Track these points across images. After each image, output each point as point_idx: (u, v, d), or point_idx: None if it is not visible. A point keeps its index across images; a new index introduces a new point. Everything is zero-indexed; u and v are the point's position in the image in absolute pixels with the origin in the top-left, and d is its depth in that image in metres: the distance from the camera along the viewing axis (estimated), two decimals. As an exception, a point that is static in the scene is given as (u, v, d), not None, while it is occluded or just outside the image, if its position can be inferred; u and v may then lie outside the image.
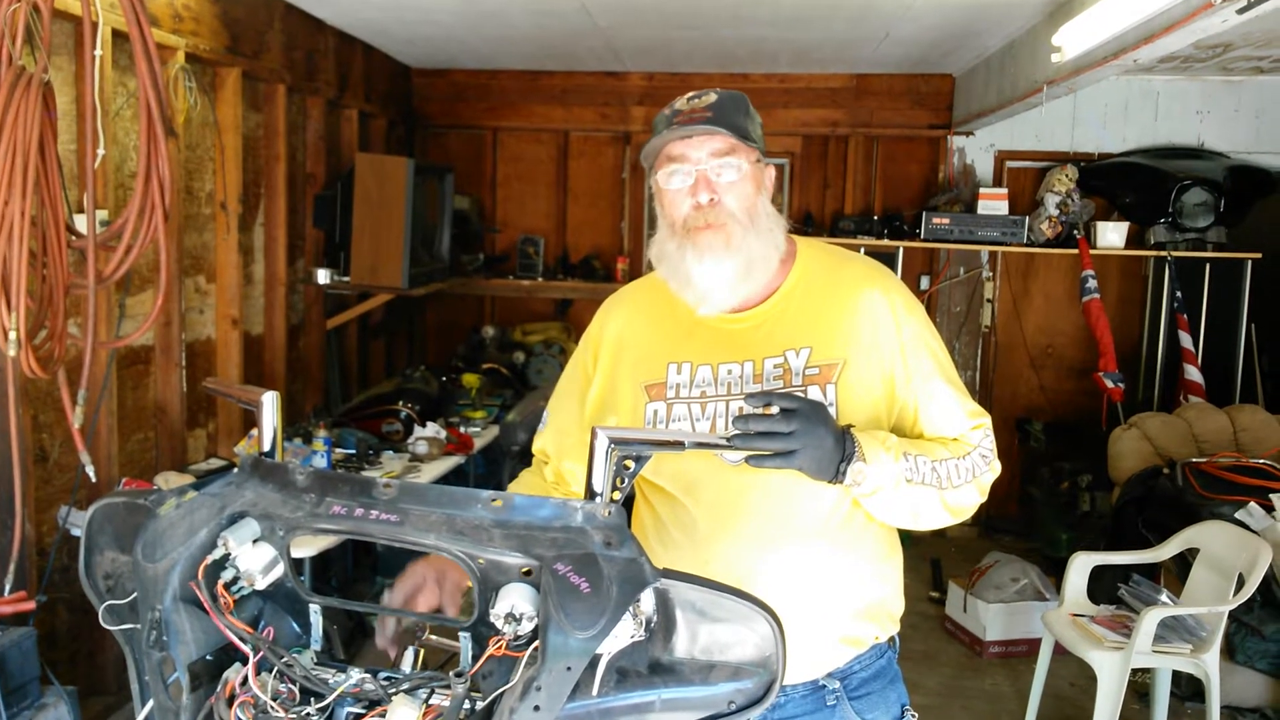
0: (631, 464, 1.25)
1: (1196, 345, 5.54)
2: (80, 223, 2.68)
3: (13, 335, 2.41)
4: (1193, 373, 5.40)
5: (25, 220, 2.37)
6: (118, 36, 3.21)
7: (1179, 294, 5.54)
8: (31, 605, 2.61)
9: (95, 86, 2.70)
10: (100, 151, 2.67)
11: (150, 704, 1.24)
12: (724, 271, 1.57)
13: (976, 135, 6.06)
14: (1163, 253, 5.62)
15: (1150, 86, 5.90)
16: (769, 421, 1.39)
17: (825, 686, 1.61)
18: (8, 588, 2.74)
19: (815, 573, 1.59)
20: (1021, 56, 4.69)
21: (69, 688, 2.57)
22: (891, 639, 1.70)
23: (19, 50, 2.41)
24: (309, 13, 4.74)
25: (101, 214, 3.02)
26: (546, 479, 1.81)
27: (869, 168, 6.24)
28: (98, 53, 2.64)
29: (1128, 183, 5.75)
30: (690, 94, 1.63)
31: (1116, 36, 3.56)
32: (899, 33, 4.87)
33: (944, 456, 1.56)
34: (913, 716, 1.68)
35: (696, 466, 1.60)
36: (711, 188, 1.57)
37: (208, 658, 1.23)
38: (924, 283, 6.14)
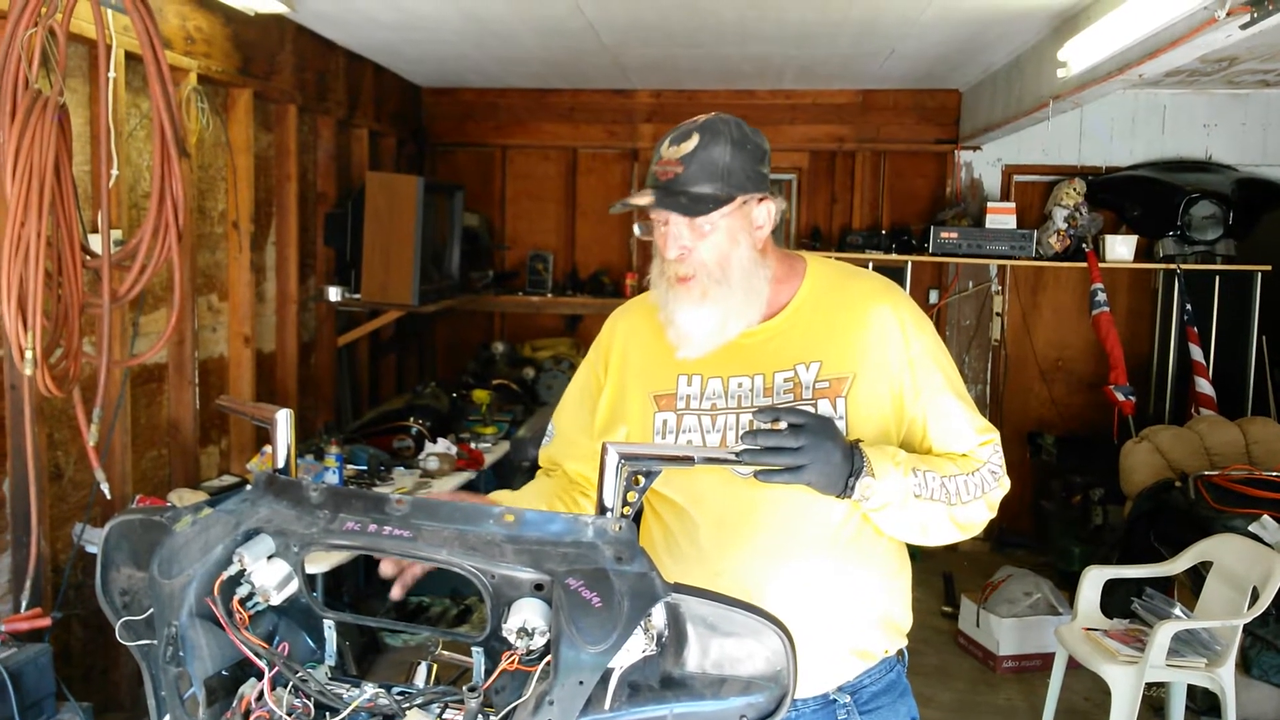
0: (641, 479, 1.26)
1: (1207, 358, 5.52)
2: (95, 243, 2.71)
3: (29, 354, 2.43)
4: (1204, 385, 5.38)
5: (41, 241, 2.40)
6: (131, 59, 3.25)
7: (1189, 307, 5.53)
8: (47, 622, 2.62)
9: (109, 108, 2.73)
10: (114, 172, 2.71)
11: (167, 719, 1.26)
12: (702, 320, 1.58)
13: (984, 150, 6.07)
14: (1172, 265, 5.61)
15: (1157, 100, 5.90)
16: (778, 437, 1.40)
17: (836, 700, 1.62)
18: (24, 604, 2.77)
19: (824, 586, 1.60)
20: (1027, 71, 4.71)
21: (84, 704, 2.58)
22: (900, 652, 1.70)
23: (35, 73, 2.44)
24: (320, 34, 4.78)
25: (116, 234, 3.04)
26: (559, 482, 1.80)
27: (876, 183, 6.25)
28: (112, 75, 2.68)
29: (1136, 196, 5.75)
30: (676, 132, 1.57)
31: (1122, 51, 3.57)
32: (904, 49, 4.89)
33: (953, 472, 1.57)
34: (923, 730, 1.68)
35: (705, 479, 1.61)
36: (681, 243, 1.57)
37: (223, 673, 1.24)
38: (933, 297, 6.14)
